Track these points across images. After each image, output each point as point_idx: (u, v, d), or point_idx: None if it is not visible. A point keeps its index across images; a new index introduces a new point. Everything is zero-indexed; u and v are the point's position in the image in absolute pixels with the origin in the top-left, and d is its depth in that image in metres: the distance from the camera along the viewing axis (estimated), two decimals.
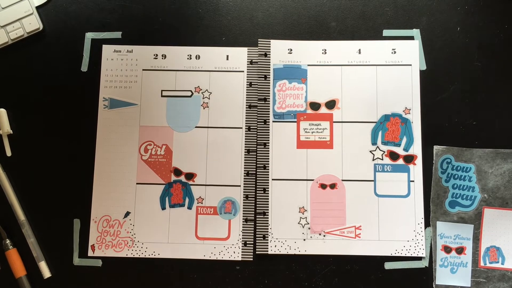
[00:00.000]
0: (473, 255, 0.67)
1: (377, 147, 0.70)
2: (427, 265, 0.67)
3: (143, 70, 0.72)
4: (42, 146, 0.70)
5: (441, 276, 0.67)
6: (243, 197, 0.69)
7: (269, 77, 0.71)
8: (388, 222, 0.68)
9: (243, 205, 0.69)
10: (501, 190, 0.67)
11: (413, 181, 0.69)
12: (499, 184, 0.68)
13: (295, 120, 0.70)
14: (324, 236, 0.68)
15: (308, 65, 0.71)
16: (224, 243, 0.68)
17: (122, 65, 0.72)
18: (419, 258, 0.67)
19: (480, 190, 0.68)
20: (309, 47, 0.71)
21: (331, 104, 0.70)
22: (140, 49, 0.72)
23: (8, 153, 0.70)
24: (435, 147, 0.68)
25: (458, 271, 0.66)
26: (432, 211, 0.68)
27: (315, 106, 0.70)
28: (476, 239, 0.67)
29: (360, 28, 0.72)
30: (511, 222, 0.67)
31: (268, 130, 0.70)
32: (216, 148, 0.70)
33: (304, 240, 0.68)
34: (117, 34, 0.72)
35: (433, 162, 0.68)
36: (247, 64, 0.72)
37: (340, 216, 0.68)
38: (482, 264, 0.67)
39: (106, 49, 0.72)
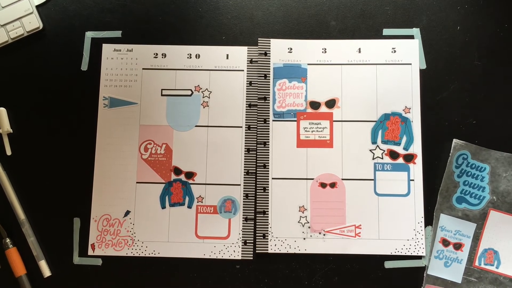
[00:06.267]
0: (470, 253, 0.67)
1: (377, 146, 0.70)
2: (427, 264, 0.67)
3: (143, 69, 0.72)
4: (42, 145, 0.70)
5: (434, 267, 0.67)
6: (243, 196, 0.69)
7: (269, 76, 0.71)
8: (388, 221, 0.68)
9: (243, 204, 0.69)
10: (511, 195, 0.67)
11: (413, 180, 0.69)
12: (510, 189, 0.67)
13: (295, 119, 0.70)
14: (324, 235, 0.68)
15: (308, 64, 0.71)
16: (224, 242, 0.68)
17: (122, 64, 0.72)
18: (419, 257, 0.67)
19: (490, 191, 0.67)
20: (309, 46, 0.71)
21: (331, 103, 0.70)
22: (140, 48, 0.72)
23: (8, 152, 0.70)
24: (454, 141, 0.68)
25: (452, 266, 0.66)
26: (438, 202, 0.68)
27: (315, 105, 0.71)
28: (476, 238, 0.67)
29: (360, 27, 0.72)
30: None
31: (268, 129, 0.70)
32: (216, 147, 0.70)
33: (304, 239, 0.68)
34: (117, 33, 0.72)
35: (450, 155, 0.68)
36: (247, 63, 0.72)
37: (340, 215, 0.68)
38: (476, 263, 0.67)
39: (106, 48, 0.72)
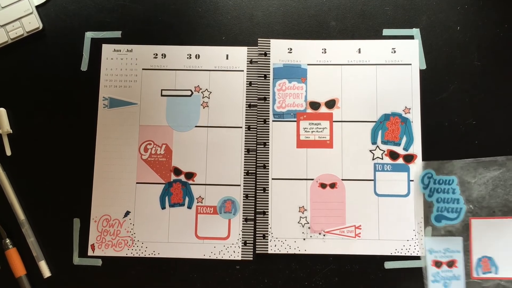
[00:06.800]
0: (465, 267, 0.66)
1: (377, 146, 0.70)
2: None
3: (143, 69, 0.72)
4: (42, 145, 0.70)
5: None
6: (243, 197, 0.69)
7: (269, 77, 0.71)
8: (388, 221, 0.68)
9: (243, 205, 0.69)
10: (486, 199, 0.67)
11: (413, 180, 0.69)
12: (483, 193, 0.67)
13: (295, 119, 0.70)
14: (324, 235, 0.68)
15: (308, 64, 0.71)
16: (224, 242, 0.68)
17: (122, 65, 0.72)
18: (419, 258, 0.67)
19: (465, 201, 0.67)
20: (309, 46, 0.71)
21: (331, 104, 0.70)
22: (140, 49, 0.72)
23: (8, 152, 0.70)
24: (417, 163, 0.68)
25: (451, 285, 0.66)
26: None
27: (315, 105, 0.70)
28: (467, 251, 0.66)
29: (360, 27, 0.72)
30: (501, 231, 0.66)
31: (268, 129, 0.70)
32: (216, 148, 0.70)
33: (304, 239, 0.68)
34: (117, 34, 0.72)
35: (413, 179, 0.68)
36: (247, 64, 0.71)
37: (340, 215, 0.68)
38: (474, 275, 0.66)
39: (106, 49, 0.72)
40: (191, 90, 0.71)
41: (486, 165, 0.67)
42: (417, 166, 0.68)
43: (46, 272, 0.68)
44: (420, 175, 0.67)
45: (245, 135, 0.70)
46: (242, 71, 0.71)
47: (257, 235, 0.68)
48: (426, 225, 0.68)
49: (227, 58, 0.72)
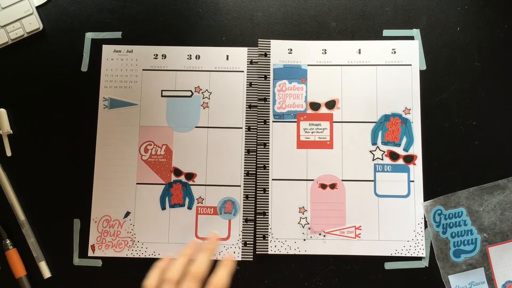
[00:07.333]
0: None
1: (377, 147, 0.70)
2: (427, 265, 0.67)
3: (143, 70, 0.72)
4: (42, 146, 0.70)
5: None
6: (243, 197, 0.69)
7: (269, 77, 0.71)
8: (388, 222, 0.68)
9: (243, 205, 0.69)
10: (497, 225, 0.66)
11: (413, 181, 0.69)
12: (493, 219, 0.66)
13: (295, 120, 0.70)
14: (324, 236, 0.68)
15: (308, 65, 0.71)
16: (224, 243, 0.68)
17: (122, 65, 0.72)
18: (419, 258, 0.67)
19: (478, 230, 0.66)
20: (309, 47, 0.71)
21: (331, 104, 0.70)
22: (140, 49, 0.72)
23: (8, 153, 0.70)
24: (423, 204, 0.68)
25: None
26: (441, 267, 0.67)
27: (315, 106, 0.71)
28: (490, 279, 0.66)
29: (360, 28, 0.72)
30: None
31: (268, 130, 0.70)
32: (216, 148, 0.70)
33: (304, 240, 0.68)
34: (117, 34, 0.72)
35: (425, 219, 0.68)
36: (247, 64, 0.72)
37: (340, 216, 0.68)
38: None
39: (106, 49, 0.72)
40: (191, 91, 0.71)
41: (490, 190, 0.67)
42: (425, 206, 0.67)
43: (46, 273, 0.68)
44: (430, 214, 0.67)
45: (245, 136, 0.70)
46: (242, 71, 0.71)
47: (257, 235, 0.68)
48: (426, 226, 0.68)
49: (227, 59, 0.72)
